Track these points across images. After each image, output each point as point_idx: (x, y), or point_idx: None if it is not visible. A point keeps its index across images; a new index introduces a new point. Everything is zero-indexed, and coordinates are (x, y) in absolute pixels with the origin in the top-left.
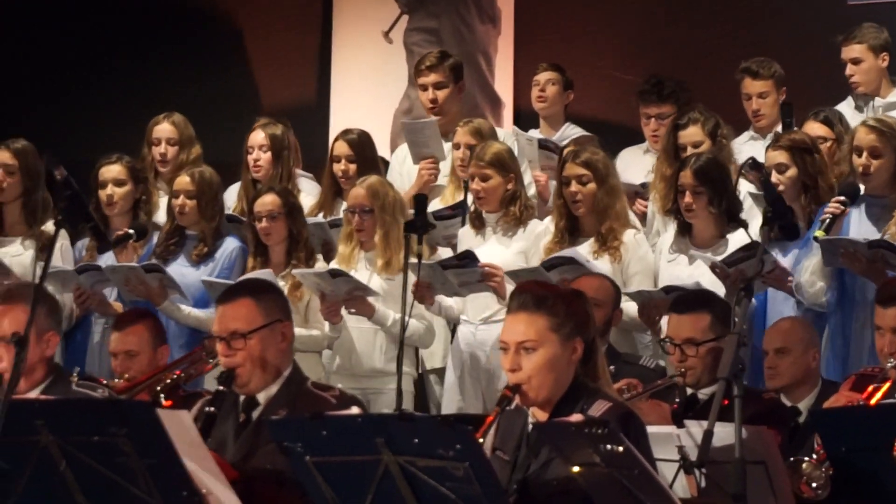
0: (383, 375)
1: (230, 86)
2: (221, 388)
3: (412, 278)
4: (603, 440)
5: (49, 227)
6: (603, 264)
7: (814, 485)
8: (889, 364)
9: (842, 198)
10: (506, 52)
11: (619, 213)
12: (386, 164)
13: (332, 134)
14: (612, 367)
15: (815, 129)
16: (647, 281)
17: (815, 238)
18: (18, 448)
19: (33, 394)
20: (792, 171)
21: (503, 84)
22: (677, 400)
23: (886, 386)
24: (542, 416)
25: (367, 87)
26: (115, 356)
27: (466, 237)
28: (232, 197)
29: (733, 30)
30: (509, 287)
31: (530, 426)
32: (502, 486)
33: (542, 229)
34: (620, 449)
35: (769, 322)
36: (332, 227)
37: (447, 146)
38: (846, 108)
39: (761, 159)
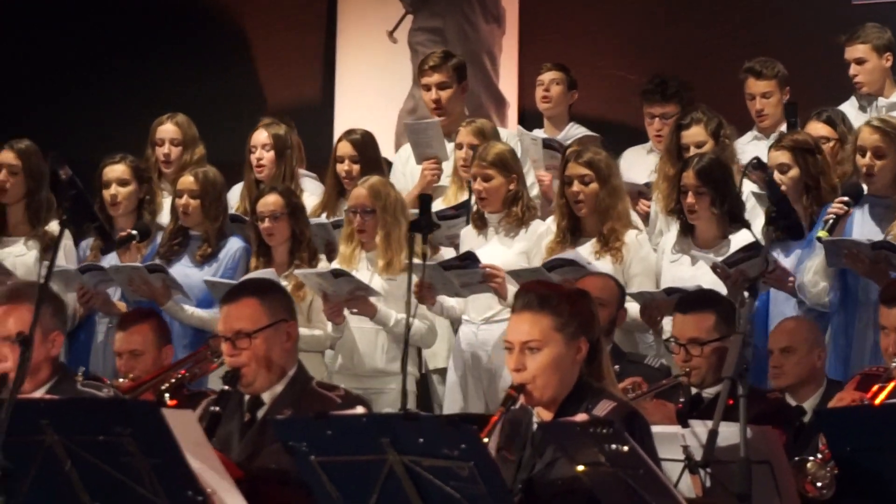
0: (385, 375)
1: (234, 85)
2: (226, 387)
3: (416, 278)
4: (608, 440)
5: (52, 227)
6: (604, 265)
7: (819, 484)
8: (893, 364)
9: (845, 198)
10: (510, 52)
11: (621, 213)
12: (389, 164)
13: (337, 133)
14: (616, 367)
15: (817, 128)
16: (649, 281)
17: (819, 239)
18: (24, 447)
19: (38, 393)
20: (794, 172)
21: (508, 84)
22: (682, 399)
23: (891, 385)
24: (547, 415)
25: (372, 87)
26: (120, 356)
27: (468, 237)
28: (235, 197)
29: (736, 29)
30: (511, 288)
31: (535, 426)
32: (507, 485)
33: (544, 230)
34: (625, 448)
35: (771, 322)
36: (336, 228)
37: (450, 146)
38: (849, 108)
39: (765, 159)
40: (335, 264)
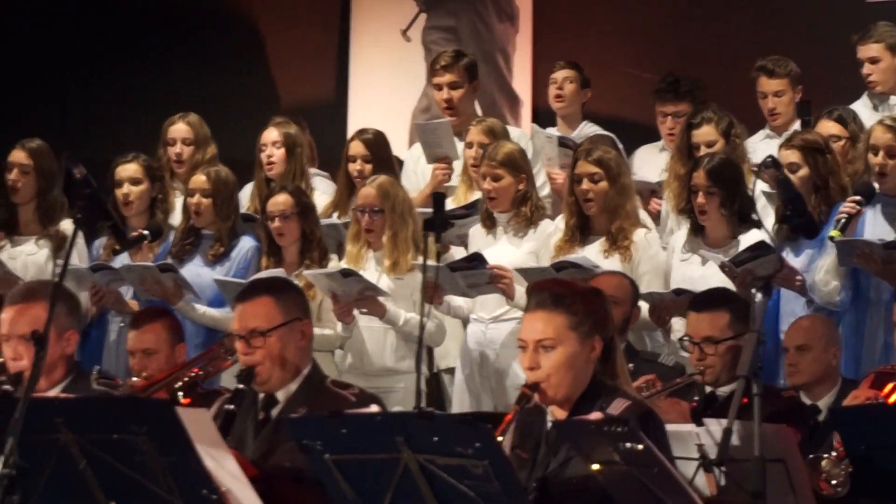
0: (394, 374)
1: (248, 84)
2: (241, 385)
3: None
4: (622, 438)
5: (63, 226)
6: (613, 264)
7: (833, 482)
8: None
9: (857, 197)
10: (524, 51)
11: (630, 212)
12: (401, 163)
13: (350, 132)
14: (630, 365)
15: (828, 127)
16: (658, 281)
17: (831, 238)
18: (38, 446)
19: (53, 392)
20: (804, 171)
21: (521, 82)
22: (696, 398)
23: None
24: (562, 414)
25: (385, 86)
26: (133, 354)
27: (477, 236)
28: (247, 196)
29: (748, 28)
30: (518, 287)
31: (549, 424)
32: (522, 484)
33: (553, 229)
34: (640, 447)
35: (781, 320)
36: (347, 228)
37: (461, 145)
38: (861, 106)
39: None
40: (343, 264)
